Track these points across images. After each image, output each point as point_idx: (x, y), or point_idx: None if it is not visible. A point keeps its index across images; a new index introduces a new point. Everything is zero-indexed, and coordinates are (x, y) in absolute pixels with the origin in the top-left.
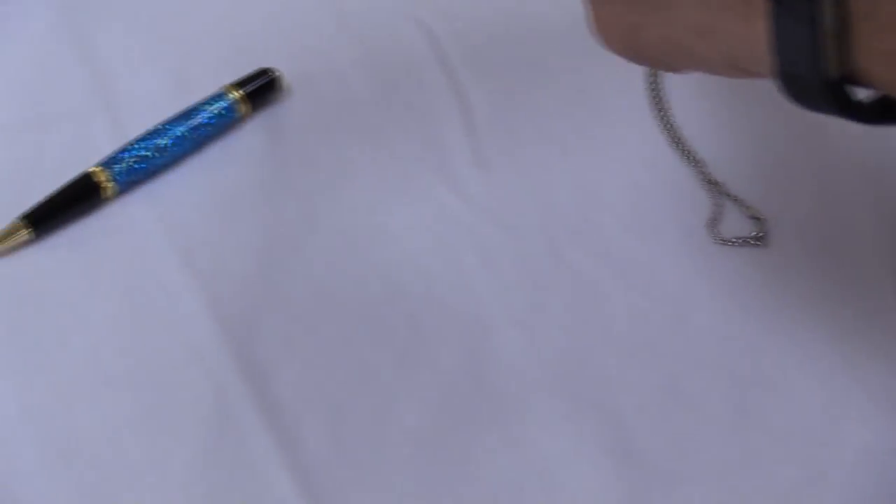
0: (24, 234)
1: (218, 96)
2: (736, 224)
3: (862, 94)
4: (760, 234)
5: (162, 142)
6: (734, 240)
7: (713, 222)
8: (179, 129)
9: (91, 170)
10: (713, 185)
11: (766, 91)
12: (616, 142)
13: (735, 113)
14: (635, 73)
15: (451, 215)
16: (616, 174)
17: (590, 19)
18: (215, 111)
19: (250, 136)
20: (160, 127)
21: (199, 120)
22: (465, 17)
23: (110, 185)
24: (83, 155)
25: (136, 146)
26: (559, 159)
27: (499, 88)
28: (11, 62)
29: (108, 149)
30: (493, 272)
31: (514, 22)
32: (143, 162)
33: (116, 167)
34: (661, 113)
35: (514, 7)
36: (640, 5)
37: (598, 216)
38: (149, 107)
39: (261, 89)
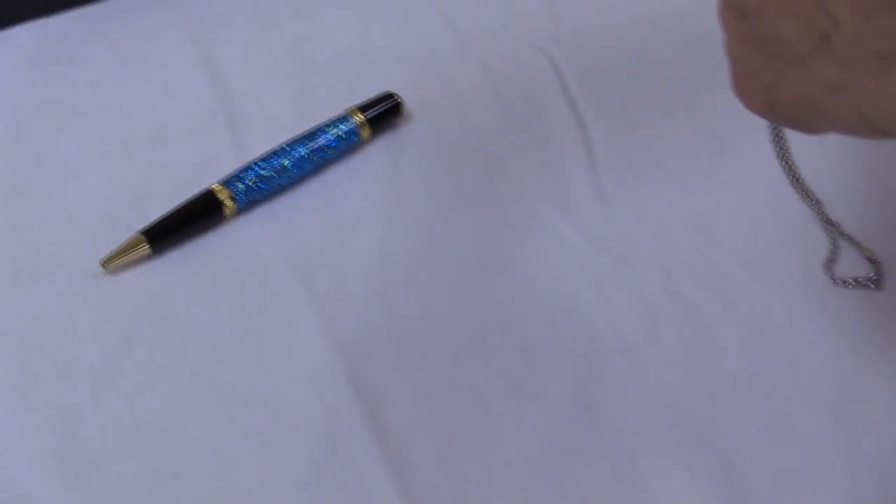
0: (144, 249)
1: (341, 119)
2: (852, 265)
3: None
4: (875, 277)
5: (283, 162)
6: (849, 281)
7: (829, 263)
8: (301, 151)
9: (213, 187)
10: (830, 226)
11: None
12: (735, 179)
13: (854, 155)
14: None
15: (568, 247)
16: (734, 211)
17: (731, 79)
18: (338, 134)
19: (371, 159)
20: (282, 147)
21: (322, 142)
22: (590, 49)
23: (231, 203)
24: (205, 173)
25: (257, 166)
26: (678, 195)
27: (620, 122)
28: (138, 79)
29: (230, 167)
30: (608, 304)
31: (637, 56)
32: (264, 182)
33: (238, 186)
34: (782, 152)
35: (638, 41)
36: (777, 62)
37: (714, 252)
38: (271, 127)
39: (383, 113)
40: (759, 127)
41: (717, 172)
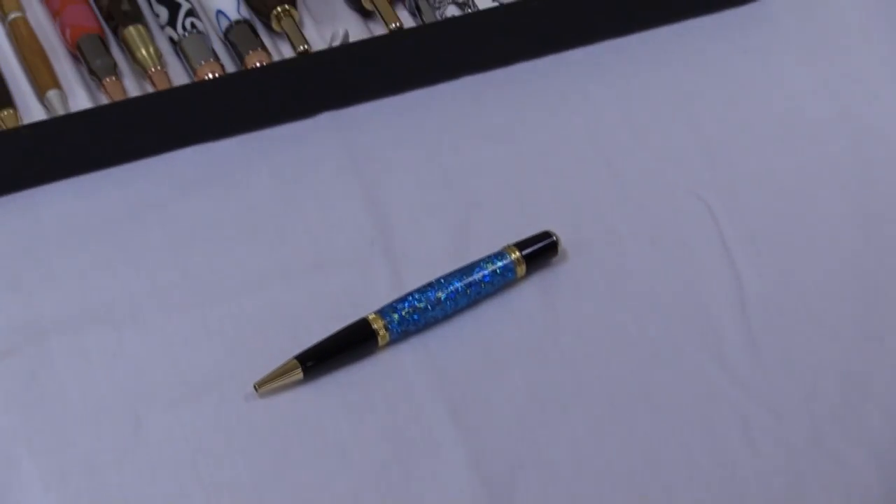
0: (297, 374)
1: (498, 255)
2: None
3: None
4: None
5: (439, 295)
6: None
7: None
8: (457, 284)
9: (368, 317)
10: None
11: None
12: (889, 333)
13: None
14: None
15: (717, 392)
16: (886, 366)
17: None
18: (494, 270)
19: (525, 296)
20: (438, 280)
21: (477, 277)
22: (746, 196)
23: (385, 333)
24: (361, 301)
25: (413, 297)
26: (828, 344)
27: (773, 269)
28: (298, 206)
29: (385, 297)
30: (753, 452)
31: (792, 203)
32: (419, 313)
33: (392, 316)
34: None
35: (793, 188)
36: None
37: (863, 405)
38: (428, 259)
39: (539, 251)
40: None
41: (870, 325)
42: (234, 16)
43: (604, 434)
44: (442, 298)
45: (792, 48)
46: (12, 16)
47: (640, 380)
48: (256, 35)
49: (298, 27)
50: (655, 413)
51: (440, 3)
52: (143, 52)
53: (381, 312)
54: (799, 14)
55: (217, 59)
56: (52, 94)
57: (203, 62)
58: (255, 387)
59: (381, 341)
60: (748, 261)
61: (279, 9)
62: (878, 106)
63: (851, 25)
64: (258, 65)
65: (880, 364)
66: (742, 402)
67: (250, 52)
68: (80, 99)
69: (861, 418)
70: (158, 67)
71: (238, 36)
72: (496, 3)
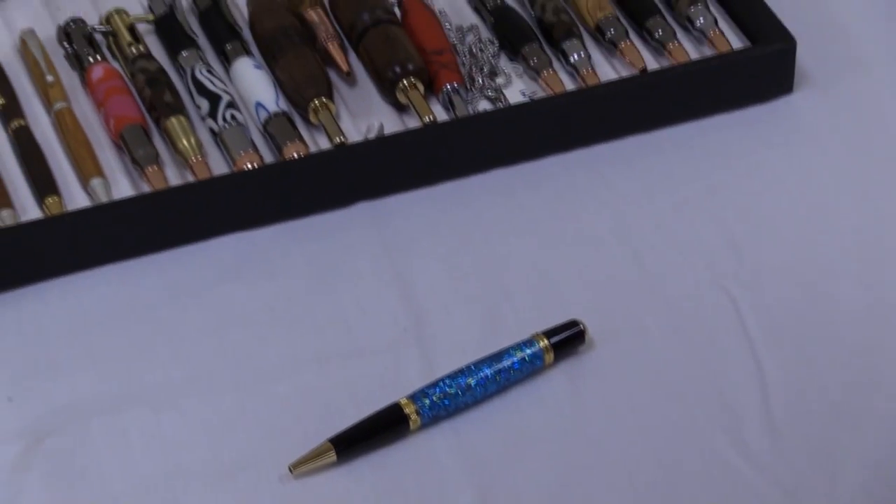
0: (331, 456)
1: (527, 343)
2: None
3: None
4: None
5: (469, 381)
6: None
7: None
8: (487, 371)
9: (400, 401)
10: None
11: None
12: None
13: None
14: None
15: (736, 478)
16: None
17: None
18: (523, 357)
19: (553, 383)
20: (468, 367)
21: (507, 364)
22: (770, 288)
23: (416, 417)
24: (393, 386)
25: (444, 383)
26: (848, 433)
27: (796, 359)
28: (334, 293)
29: (417, 382)
30: None
31: (816, 296)
32: (449, 399)
33: (424, 401)
34: None
35: (815, 281)
36: None
37: (882, 492)
38: (459, 346)
39: (567, 340)
40: None
41: (889, 415)
42: (272, 108)
43: None
44: (472, 384)
45: (814, 142)
46: (58, 106)
47: (664, 464)
48: (294, 127)
49: (335, 120)
50: (678, 497)
51: (472, 97)
52: (185, 142)
53: (413, 397)
54: (821, 110)
55: (256, 149)
56: (95, 182)
57: (242, 153)
58: (289, 468)
59: (412, 425)
60: (769, 350)
61: (316, 102)
62: None
63: (873, 120)
64: (296, 156)
65: None
66: (762, 486)
67: (288, 143)
68: (122, 187)
69: None
70: (199, 157)
71: (276, 128)
72: (526, 98)
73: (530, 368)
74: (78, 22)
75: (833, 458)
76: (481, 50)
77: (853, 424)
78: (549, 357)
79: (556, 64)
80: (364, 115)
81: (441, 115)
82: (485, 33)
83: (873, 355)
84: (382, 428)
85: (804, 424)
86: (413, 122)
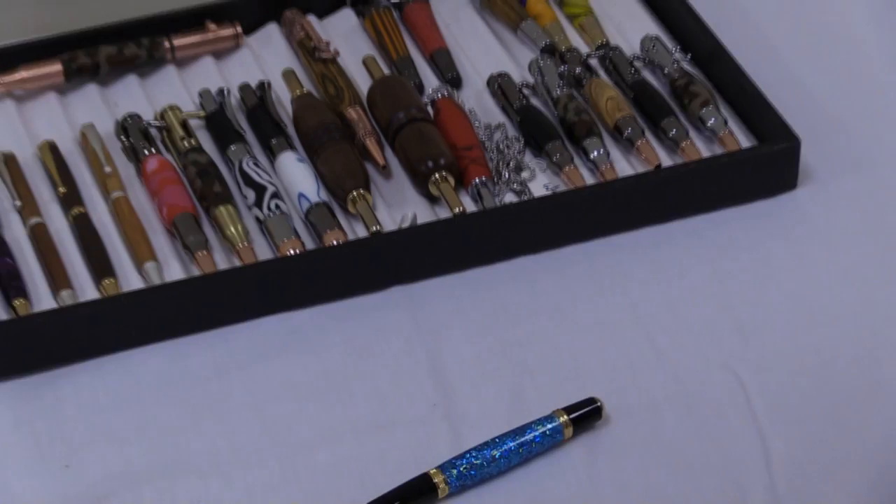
0: None
1: (548, 418)
2: None
3: None
4: None
5: (494, 453)
6: None
7: None
8: (510, 444)
9: (429, 472)
10: None
11: None
12: None
13: None
14: None
15: None
16: None
17: None
18: (544, 431)
19: (571, 456)
20: (494, 440)
21: (529, 437)
22: (773, 369)
23: (444, 486)
24: (423, 457)
25: (470, 454)
26: None
27: (800, 437)
28: (368, 371)
29: (446, 454)
30: None
31: (819, 377)
32: (475, 469)
33: (452, 472)
34: None
35: (816, 364)
36: None
37: None
38: (485, 420)
39: (585, 415)
40: None
41: (885, 489)
42: (314, 199)
43: None
44: (497, 456)
45: (816, 236)
46: (115, 195)
47: None
48: (334, 216)
49: (371, 210)
50: None
51: (499, 190)
52: (232, 229)
53: (442, 468)
54: (823, 205)
55: (298, 237)
56: (149, 265)
57: (285, 240)
58: None
59: (440, 493)
60: (774, 428)
61: (354, 193)
62: (893, 289)
63: (871, 216)
64: (335, 243)
65: None
66: None
67: (328, 231)
68: (174, 270)
69: None
70: (245, 244)
71: (317, 217)
72: (549, 192)
73: (551, 442)
74: (134, 117)
75: None
76: (508, 146)
77: (853, 498)
78: (569, 431)
79: (577, 160)
80: (399, 205)
81: (470, 206)
82: (511, 131)
83: (869, 433)
84: (412, 496)
85: (807, 499)
86: (444, 213)
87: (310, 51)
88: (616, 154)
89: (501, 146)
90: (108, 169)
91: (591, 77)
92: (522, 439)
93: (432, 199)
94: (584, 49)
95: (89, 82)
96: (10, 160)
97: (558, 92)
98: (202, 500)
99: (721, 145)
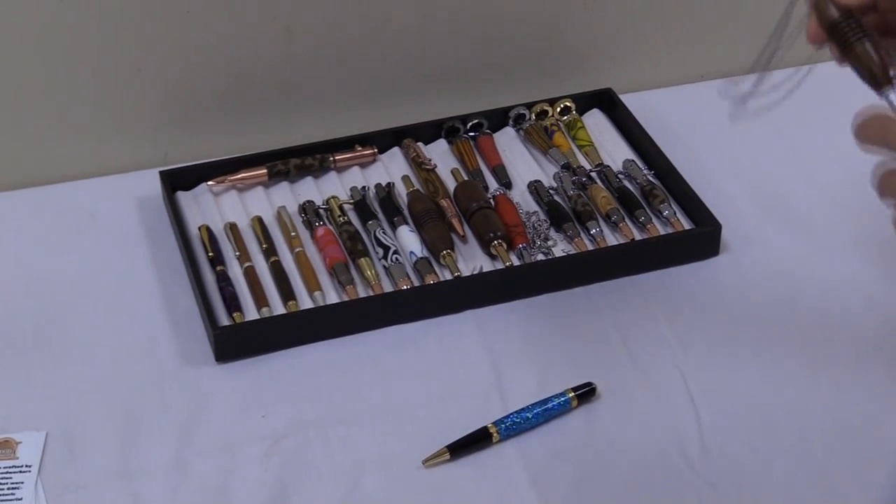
0: (446, 456)
1: (561, 394)
2: None
3: None
4: None
5: (528, 415)
6: None
7: None
8: (538, 409)
9: (487, 426)
10: None
11: None
12: None
13: None
14: None
15: None
16: None
17: None
18: (560, 402)
19: (576, 418)
20: (528, 406)
21: (550, 405)
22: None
23: (497, 435)
24: (483, 416)
25: (512, 415)
26: None
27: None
28: (454, 362)
29: (497, 414)
30: None
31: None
32: (516, 425)
33: (501, 426)
34: None
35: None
36: None
37: None
38: (524, 393)
39: (585, 393)
40: None
41: None
42: (419, 254)
43: None
44: (530, 417)
45: (730, 284)
46: (297, 250)
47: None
48: (431, 266)
49: (455, 262)
50: None
51: (533, 252)
52: (369, 272)
53: (495, 423)
54: (737, 267)
55: (409, 278)
56: (317, 294)
57: (401, 279)
58: (423, 462)
59: (494, 439)
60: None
61: (444, 252)
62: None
63: (775, 278)
64: (431, 282)
65: None
66: None
67: (427, 275)
68: (332, 297)
69: None
70: (377, 281)
71: (421, 265)
72: (564, 253)
73: (563, 408)
74: (309, 202)
75: None
76: (539, 226)
77: None
78: (574, 402)
79: (583, 234)
80: (471, 260)
81: (515, 261)
82: (542, 216)
83: None
84: (477, 440)
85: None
86: (499, 265)
87: (419, 164)
88: (607, 231)
89: (536, 225)
90: (293, 233)
91: (592, 184)
92: (546, 406)
93: (493, 257)
94: (587, 166)
95: (283, 180)
96: (233, 227)
97: (571, 192)
98: (346, 440)
99: (671, 227)
